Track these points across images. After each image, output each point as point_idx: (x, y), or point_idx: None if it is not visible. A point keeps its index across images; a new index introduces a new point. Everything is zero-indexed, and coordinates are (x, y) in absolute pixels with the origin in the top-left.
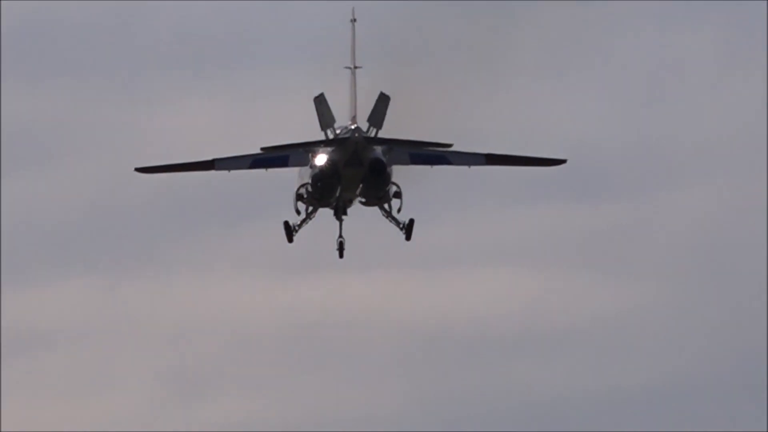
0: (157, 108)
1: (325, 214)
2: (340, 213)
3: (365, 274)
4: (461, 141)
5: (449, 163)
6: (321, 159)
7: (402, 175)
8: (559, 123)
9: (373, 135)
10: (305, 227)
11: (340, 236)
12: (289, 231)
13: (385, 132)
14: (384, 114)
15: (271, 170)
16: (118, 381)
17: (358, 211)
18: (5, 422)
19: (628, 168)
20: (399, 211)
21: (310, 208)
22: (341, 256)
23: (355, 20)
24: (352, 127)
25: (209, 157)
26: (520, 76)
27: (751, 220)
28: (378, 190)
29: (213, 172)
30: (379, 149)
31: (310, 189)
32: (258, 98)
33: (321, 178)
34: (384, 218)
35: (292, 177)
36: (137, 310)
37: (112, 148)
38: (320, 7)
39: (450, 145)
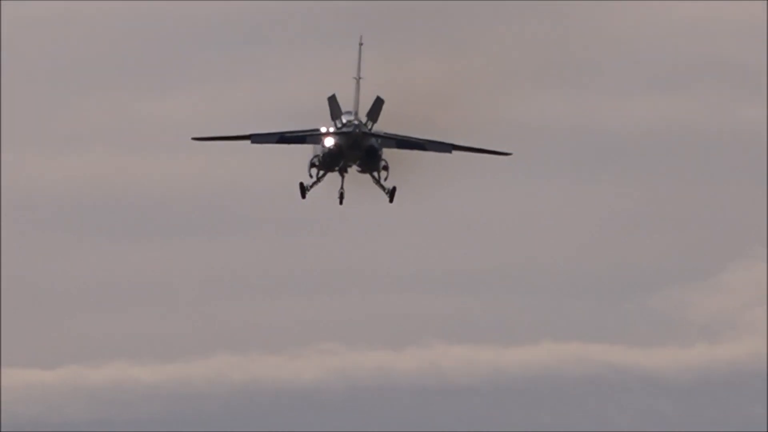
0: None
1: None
2: (342, 171)
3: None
4: (435, 134)
5: (425, 149)
6: (330, 141)
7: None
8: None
9: (369, 128)
10: (316, 189)
11: (341, 188)
12: (303, 190)
13: (381, 123)
14: (379, 112)
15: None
16: None
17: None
18: None
19: None
20: (385, 179)
21: (320, 173)
22: (341, 203)
23: (362, 44)
24: (356, 122)
25: (248, 132)
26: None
27: None
28: (371, 166)
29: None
30: (374, 139)
31: (321, 160)
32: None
33: (329, 155)
34: (373, 184)
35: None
36: None
37: None
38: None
39: (425, 141)
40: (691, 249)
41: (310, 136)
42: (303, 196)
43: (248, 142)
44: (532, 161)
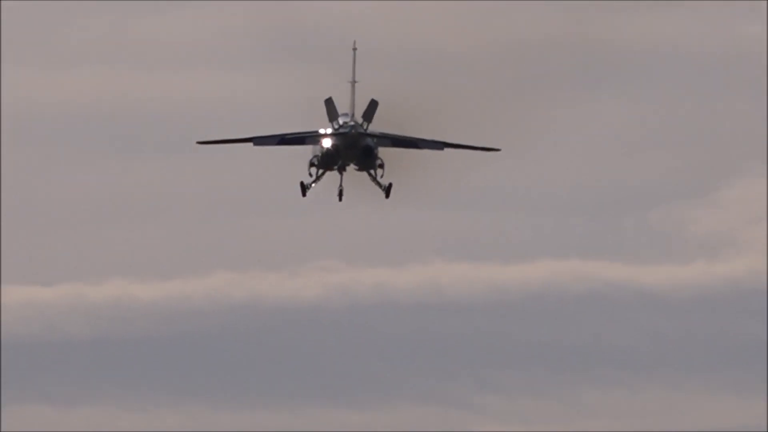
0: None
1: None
2: (341, 170)
3: None
4: (427, 132)
5: (418, 147)
6: (328, 142)
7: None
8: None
9: (365, 128)
10: (316, 187)
11: (340, 185)
12: (303, 188)
13: (375, 122)
14: (373, 113)
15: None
16: None
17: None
18: None
19: None
20: (382, 176)
21: (320, 171)
22: (341, 199)
23: (356, 49)
24: (352, 123)
25: (250, 135)
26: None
27: None
28: (368, 164)
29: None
30: (369, 139)
31: (320, 160)
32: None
33: (327, 155)
34: (370, 181)
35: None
36: None
37: None
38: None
39: (418, 140)
40: (690, 166)
41: (310, 138)
42: (303, 194)
43: (251, 144)
44: (529, 79)
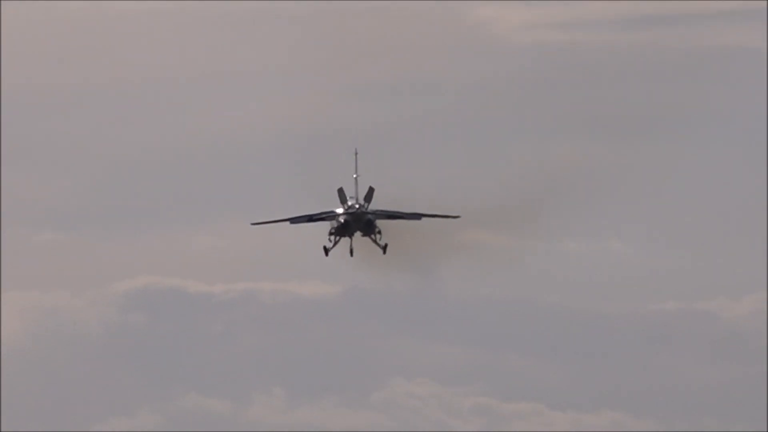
0: None
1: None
2: (350, 236)
3: None
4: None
5: (404, 218)
6: (341, 218)
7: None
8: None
9: (366, 208)
10: (335, 249)
11: (351, 245)
12: (326, 251)
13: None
14: (372, 197)
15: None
16: None
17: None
18: None
19: None
20: (380, 239)
21: (337, 238)
22: (351, 255)
23: (357, 154)
24: (357, 205)
25: (287, 216)
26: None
27: None
28: (369, 232)
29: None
30: (370, 215)
31: (336, 230)
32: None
33: (341, 227)
34: (371, 242)
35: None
36: None
37: None
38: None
39: (403, 213)
40: None
41: (329, 216)
42: (326, 254)
43: (287, 223)
44: None
